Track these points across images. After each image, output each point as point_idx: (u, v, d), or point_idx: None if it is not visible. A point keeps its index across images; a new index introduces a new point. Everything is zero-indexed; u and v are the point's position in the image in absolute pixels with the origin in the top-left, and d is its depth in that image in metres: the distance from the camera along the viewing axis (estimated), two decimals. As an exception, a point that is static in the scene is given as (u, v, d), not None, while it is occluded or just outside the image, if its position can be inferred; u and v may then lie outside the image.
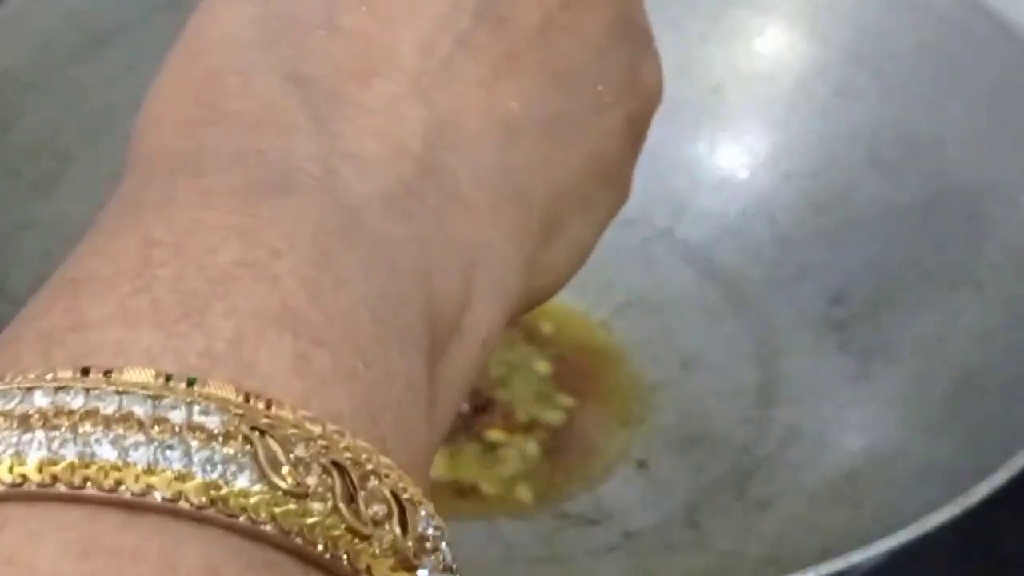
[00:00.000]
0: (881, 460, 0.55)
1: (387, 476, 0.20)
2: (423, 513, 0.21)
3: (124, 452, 0.18)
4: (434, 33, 0.27)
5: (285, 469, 0.19)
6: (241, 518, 0.18)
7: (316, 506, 0.19)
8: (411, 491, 0.21)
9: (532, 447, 0.60)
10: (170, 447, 0.18)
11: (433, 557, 0.21)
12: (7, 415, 0.19)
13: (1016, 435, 0.48)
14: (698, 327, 0.65)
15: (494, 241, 0.26)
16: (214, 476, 0.18)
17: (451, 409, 0.25)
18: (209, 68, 0.26)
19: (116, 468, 0.18)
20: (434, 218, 0.25)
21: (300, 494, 0.19)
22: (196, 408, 0.19)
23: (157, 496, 0.18)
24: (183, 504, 0.18)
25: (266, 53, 0.26)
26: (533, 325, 0.66)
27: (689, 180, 0.69)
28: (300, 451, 0.19)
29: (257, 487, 0.18)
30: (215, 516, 0.18)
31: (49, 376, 0.19)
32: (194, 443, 0.18)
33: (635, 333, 0.65)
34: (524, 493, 0.58)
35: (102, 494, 0.18)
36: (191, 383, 0.19)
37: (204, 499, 0.18)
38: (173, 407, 0.19)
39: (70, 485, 0.18)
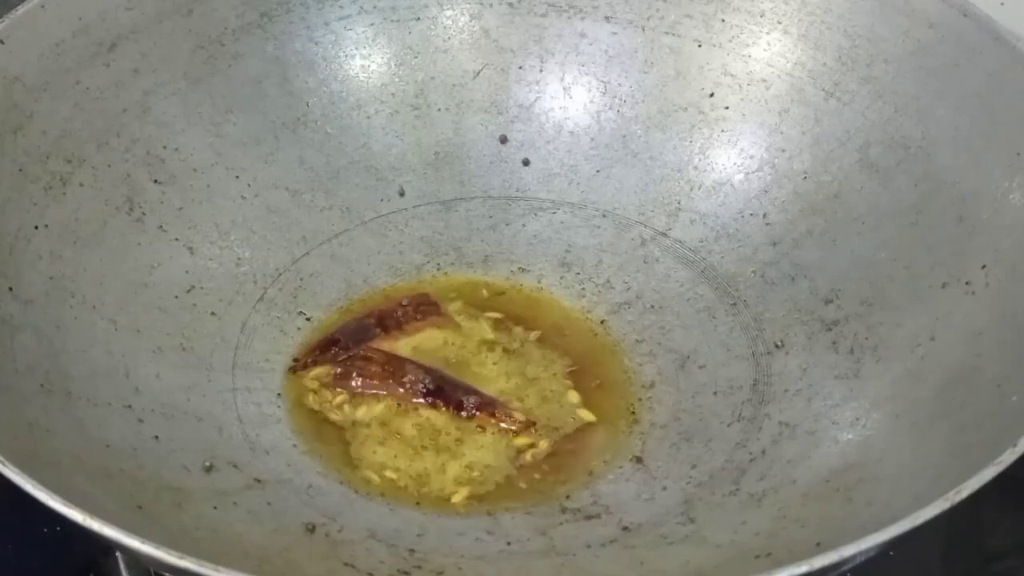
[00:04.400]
0: (872, 456, 0.55)
1: None
2: None
3: None
4: None
5: None
6: None
7: None
8: None
9: (531, 443, 0.61)
10: None
11: None
12: None
13: (1004, 432, 0.48)
14: (694, 326, 0.66)
15: None
16: None
17: None
18: None
19: None
20: None
21: None
22: None
23: None
24: None
25: None
26: (536, 324, 0.66)
27: (685, 183, 0.70)
28: None
29: None
30: None
31: None
32: None
33: (632, 332, 0.66)
34: (523, 488, 0.59)
35: None
36: None
37: None
38: None
39: None
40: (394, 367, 0.63)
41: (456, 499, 0.58)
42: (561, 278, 0.69)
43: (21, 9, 0.62)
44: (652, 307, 0.67)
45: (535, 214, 0.71)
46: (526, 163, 0.73)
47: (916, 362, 0.58)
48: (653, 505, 0.57)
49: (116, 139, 0.64)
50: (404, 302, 0.66)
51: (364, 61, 0.73)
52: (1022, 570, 0.63)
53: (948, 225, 0.61)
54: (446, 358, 0.64)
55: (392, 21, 0.73)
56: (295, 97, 0.71)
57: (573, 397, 0.63)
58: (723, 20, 0.70)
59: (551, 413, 0.62)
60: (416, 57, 0.73)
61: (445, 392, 0.62)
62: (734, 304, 0.66)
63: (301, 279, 0.67)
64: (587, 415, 0.62)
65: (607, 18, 0.72)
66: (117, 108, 0.65)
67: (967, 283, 0.58)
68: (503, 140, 0.73)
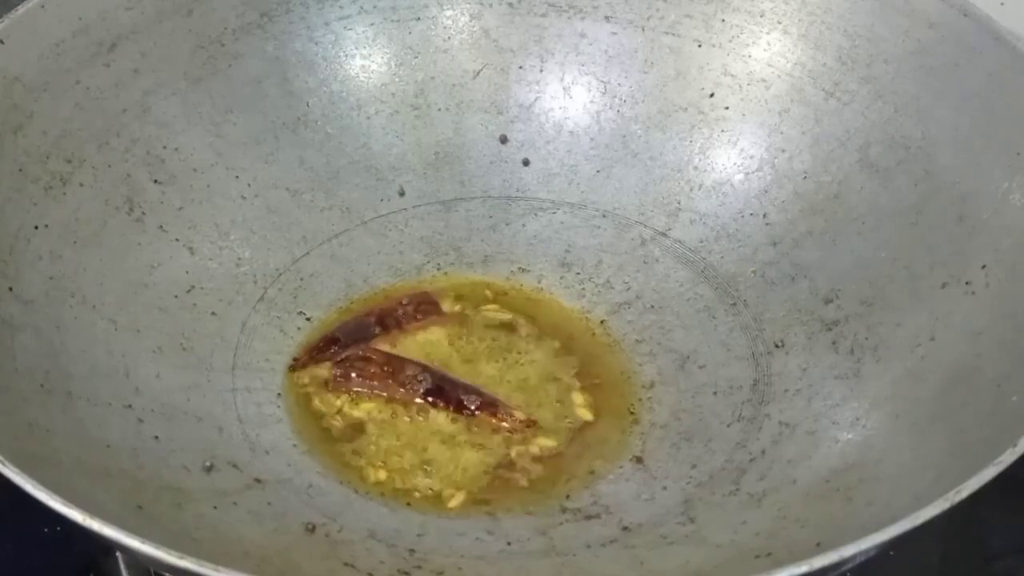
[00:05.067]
0: (872, 456, 0.55)
1: None
2: None
3: None
4: None
5: None
6: None
7: None
8: None
9: (532, 442, 0.61)
10: None
11: None
12: None
13: (1004, 432, 0.48)
14: (694, 326, 0.66)
15: None
16: None
17: None
18: None
19: None
20: None
21: None
22: None
23: None
24: None
25: None
26: (536, 324, 0.67)
27: (685, 183, 0.70)
28: None
29: None
30: None
31: None
32: None
33: (632, 332, 0.66)
34: (523, 488, 0.59)
35: None
36: None
37: None
38: None
39: None
40: (394, 367, 0.63)
41: (455, 500, 0.58)
42: (561, 278, 0.69)
43: (21, 9, 0.62)
44: (652, 307, 0.67)
45: (535, 214, 0.71)
46: (526, 163, 0.73)
47: (916, 362, 0.58)
48: (653, 505, 0.57)
49: (116, 139, 0.64)
50: (404, 301, 0.66)
51: (364, 61, 0.73)
52: (1022, 570, 0.64)
53: (948, 225, 0.61)
54: (446, 357, 0.64)
55: (392, 21, 0.73)
56: (295, 97, 0.71)
57: (573, 397, 0.63)
58: (723, 20, 0.70)
59: (551, 412, 0.62)
60: (416, 57, 0.73)
61: (445, 391, 0.62)
62: (734, 304, 0.66)
63: (301, 279, 0.67)
64: (587, 415, 0.62)
65: (607, 18, 0.72)
66: (117, 108, 0.65)
67: (967, 283, 0.58)
68: (503, 140, 0.73)
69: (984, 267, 0.58)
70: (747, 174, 0.69)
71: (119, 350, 0.59)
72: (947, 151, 0.63)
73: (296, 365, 0.63)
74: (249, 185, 0.69)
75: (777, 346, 0.63)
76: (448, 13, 0.74)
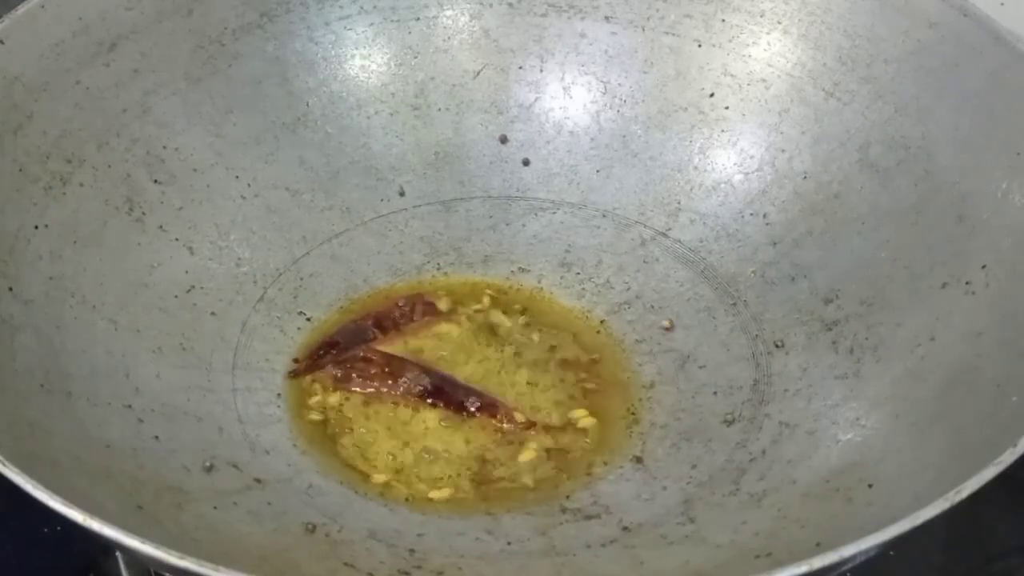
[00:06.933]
0: (872, 456, 0.55)
1: None
2: None
3: None
4: None
5: None
6: None
7: None
8: None
9: (532, 444, 0.61)
10: None
11: None
12: None
13: (1004, 432, 0.48)
14: (694, 326, 0.66)
15: None
16: None
17: None
18: None
19: None
20: None
21: None
22: None
23: None
24: None
25: None
26: (537, 324, 0.67)
27: (685, 183, 0.70)
28: None
29: None
30: None
31: None
32: None
33: (632, 332, 0.66)
34: (523, 488, 0.59)
35: None
36: None
37: None
38: None
39: None
40: (394, 368, 0.63)
41: (454, 498, 0.58)
42: (561, 278, 0.69)
43: (21, 9, 0.62)
44: (652, 307, 0.67)
45: (535, 214, 0.71)
46: (526, 163, 0.73)
47: (916, 362, 0.58)
48: (653, 505, 0.57)
49: (116, 139, 0.64)
50: (401, 303, 0.66)
51: (364, 61, 0.73)
52: (1022, 570, 0.63)
53: (948, 225, 0.61)
54: (445, 358, 0.64)
55: (392, 21, 0.73)
56: (295, 97, 0.71)
57: (574, 397, 0.63)
58: (723, 20, 0.70)
59: (551, 413, 0.62)
60: (416, 57, 0.73)
61: (445, 392, 0.62)
62: (734, 304, 0.66)
63: (301, 279, 0.67)
64: (587, 415, 0.62)
65: (607, 18, 0.72)
66: (117, 108, 0.65)
67: (967, 283, 0.58)
68: (503, 140, 0.73)
69: (984, 267, 0.58)
70: (747, 174, 0.69)
71: (119, 350, 0.59)
72: (947, 151, 0.63)
73: (297, 370, 0.63)
74: (249, 185, 0.69)
75: (777, 346, 0.63)
76: (448, 13, 0.74)
